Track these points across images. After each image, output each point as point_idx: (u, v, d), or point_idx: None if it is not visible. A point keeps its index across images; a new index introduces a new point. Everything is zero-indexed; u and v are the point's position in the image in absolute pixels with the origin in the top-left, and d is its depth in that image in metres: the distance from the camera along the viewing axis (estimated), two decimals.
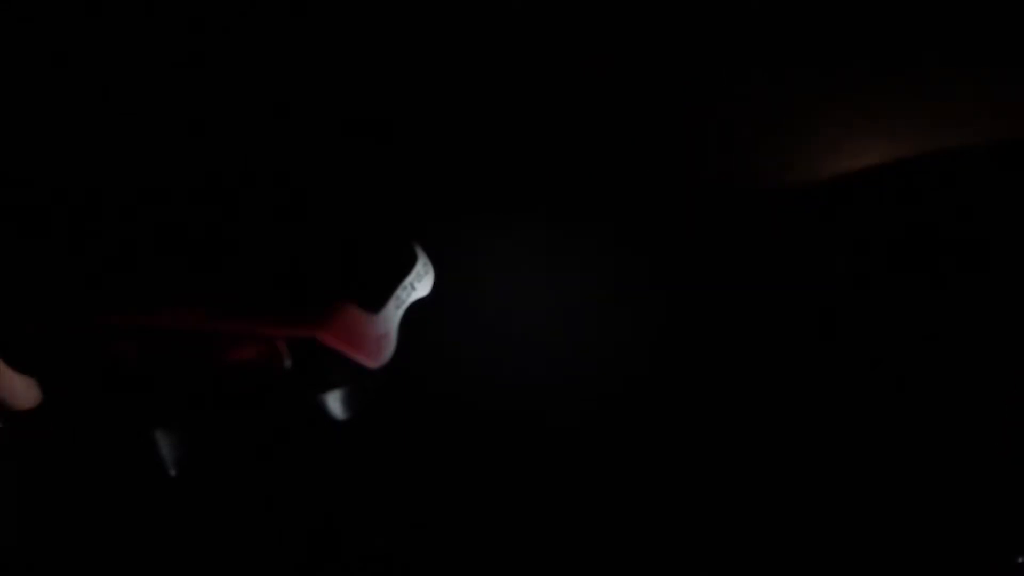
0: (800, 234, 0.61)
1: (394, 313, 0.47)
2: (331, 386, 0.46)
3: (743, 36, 0.43)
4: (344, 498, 0.49)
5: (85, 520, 0.43)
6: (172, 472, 0.44)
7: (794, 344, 0.64)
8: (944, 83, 0.48)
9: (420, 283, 0.50)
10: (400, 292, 0.48)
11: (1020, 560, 0.44)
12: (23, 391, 0.38)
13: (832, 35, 0.43)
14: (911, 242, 0.60)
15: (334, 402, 0.46)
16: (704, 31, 0.43)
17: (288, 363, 0.44)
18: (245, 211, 0.49)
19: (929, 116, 0.52)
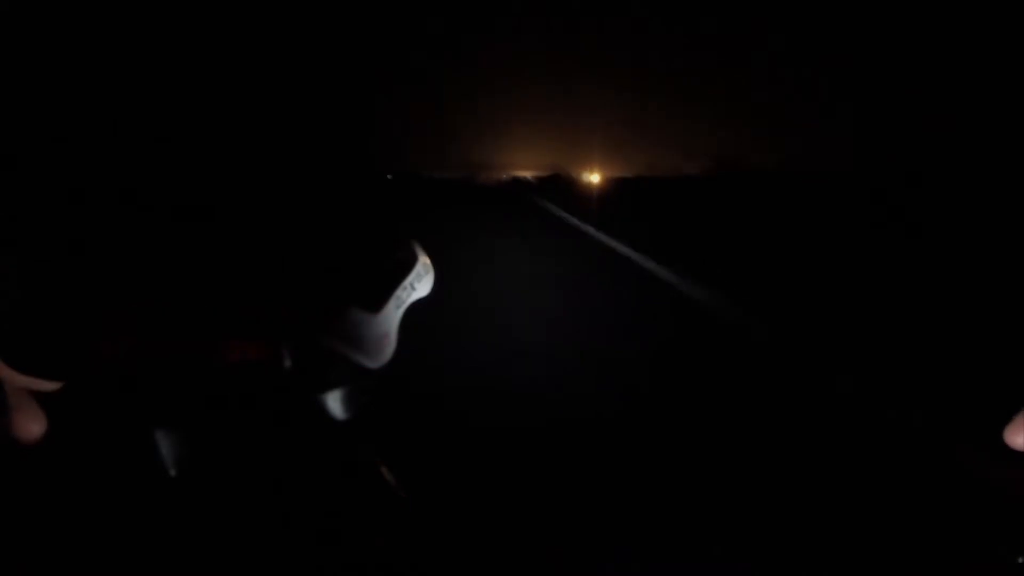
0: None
1: (394, 313, 0.47)
2: (331, 386, 0.46)
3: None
4: (344, 498, 0.49)
5: (85, 520, 0.43)
6: (172, 472, 0.44)
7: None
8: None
9: (420, 283, 0.50)
10: (400, 292, 0.48)
11: (1020, 560, 0.44)
12: (32, 423, 0.38)
13: None
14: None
15: (334, 402, 0.46)
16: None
17: (288, 363, 0.44)
18: (246, 213, 0.49)
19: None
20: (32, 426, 0.38)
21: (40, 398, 0.40)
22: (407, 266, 0.49)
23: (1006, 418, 0.35)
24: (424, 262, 0.51)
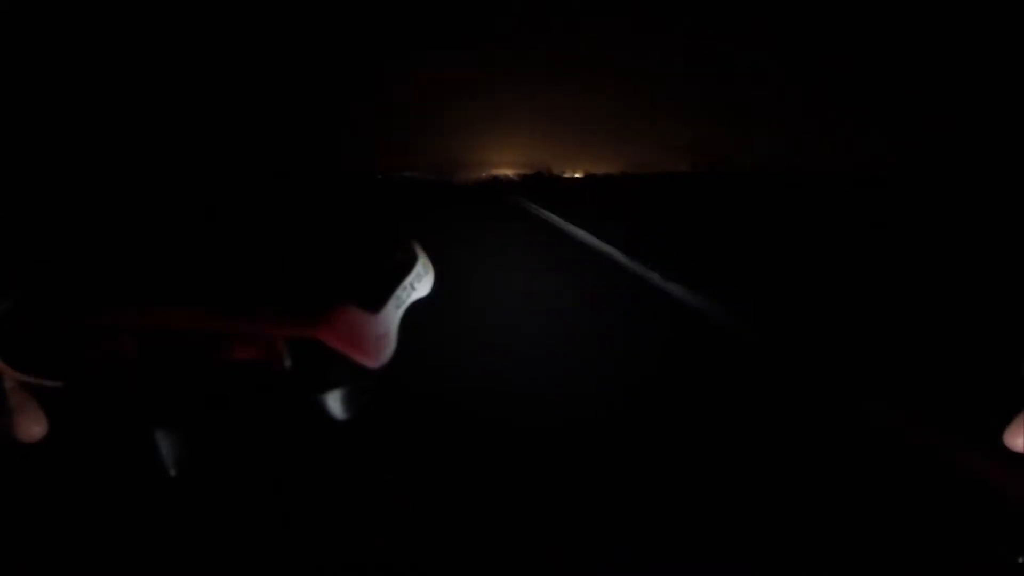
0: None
1: (394, 313, 0.47)
2: (331, 386, 0.46)
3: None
4: (344, 498, 0.49)
5: (85, 520, 0.43)
6: (172, 472, 0.44)
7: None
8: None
9: (420, 283, 0.50)
10: (400, 292, 0.48)
11: (1020, 560, 0.44)
12: (33, 423, 0.38)
13: None
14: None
15: (334, 402, 0.46)
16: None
17: (288, 363, 0.43)
18: (246, 211, 0.49)
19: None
20: (32, 426, 0.38)
21: (40, 398, 0.40)
22: (407, 266, 0.49)
23: (1006, 419, 0.35)
24: (424, 262, 0.51)
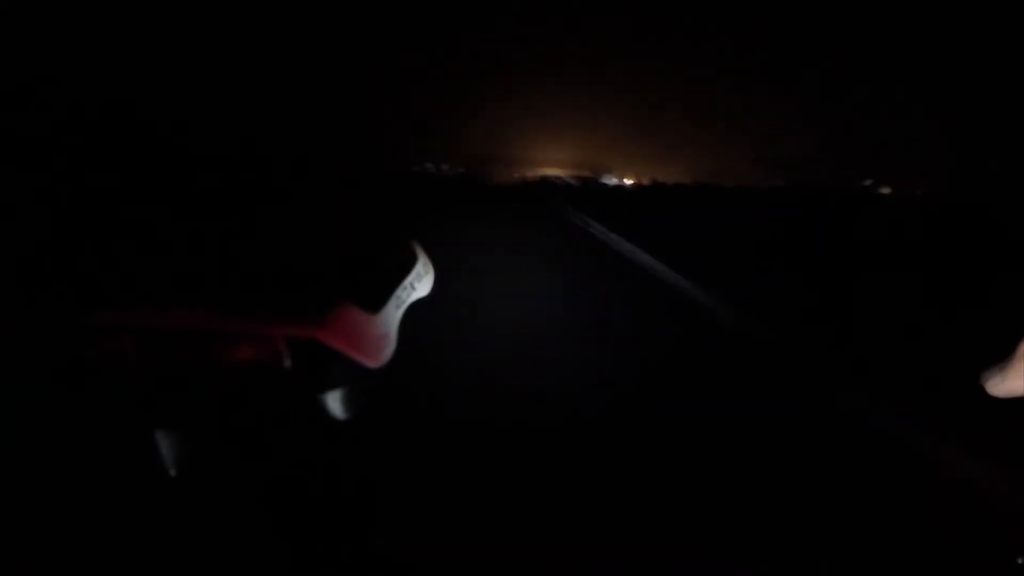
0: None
1: (394, 313, 0.47)
2: (331, 386, 0.46)
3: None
4: (343, 496, 0.49)
5: (85, 520, 0.43)
6: (172, 472, 0.44)
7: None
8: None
9: (420, 283, 0.50)
10: (400, 292, 0.48)
11: (1020, 560, 0.44)
12: None
13: None
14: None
15: (334, 402, 0.46)
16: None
17: (288, 363, 0.43)
18: (246, 212, 0.49)
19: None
20: None
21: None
22: (407, 266, 0.49)
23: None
24: (424, 262, 0.51)
